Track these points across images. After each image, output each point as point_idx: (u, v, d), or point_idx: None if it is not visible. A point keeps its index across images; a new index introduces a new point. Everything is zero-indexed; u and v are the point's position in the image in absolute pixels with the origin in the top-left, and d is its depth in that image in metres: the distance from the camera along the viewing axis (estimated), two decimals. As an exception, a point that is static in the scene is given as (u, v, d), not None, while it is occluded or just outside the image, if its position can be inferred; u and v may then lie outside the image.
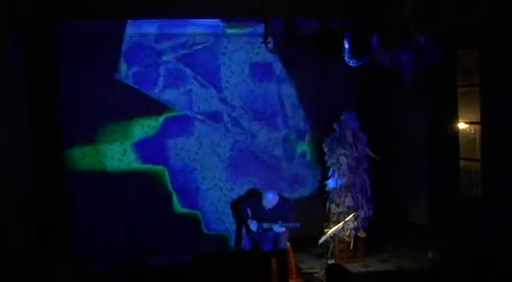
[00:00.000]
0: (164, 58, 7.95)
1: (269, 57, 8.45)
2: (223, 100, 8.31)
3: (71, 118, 7.55)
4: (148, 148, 7.92)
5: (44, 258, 6.88)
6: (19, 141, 6.31)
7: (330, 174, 8.25)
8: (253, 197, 7.28)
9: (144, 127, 7.90)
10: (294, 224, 6.83)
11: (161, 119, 7.98)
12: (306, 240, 7.51)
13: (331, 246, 7.90)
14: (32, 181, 6.92)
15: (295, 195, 8.64)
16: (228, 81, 8.32)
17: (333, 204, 8.15)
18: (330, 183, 8.20)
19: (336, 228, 6.90)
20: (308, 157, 8.85)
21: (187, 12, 7.62)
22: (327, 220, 8.09)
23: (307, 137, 8.84)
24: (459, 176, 8.57)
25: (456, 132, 8.55)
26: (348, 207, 8.02)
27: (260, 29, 8.18)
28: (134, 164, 7.87)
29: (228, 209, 8.25)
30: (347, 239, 8.00)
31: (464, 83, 8.38)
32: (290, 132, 8.72)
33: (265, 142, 8.56)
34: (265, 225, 6.86)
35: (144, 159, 7.91)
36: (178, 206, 8.11)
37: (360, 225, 8.08)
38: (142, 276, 7.63)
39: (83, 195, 7.62)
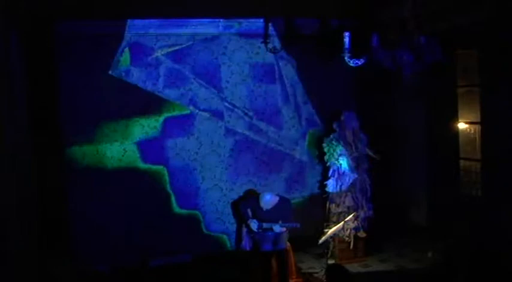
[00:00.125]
0: (164, 58, 7.94)
1: (269, 57, 8.45)
2: (223, 100, 8.30)
3: (71, 118, 7.55)
4: (148, 148, 7.91)
5: (44, 258, 6.88)
6: (19, 141, 6.31)
7: (330, 174, 8.25)
8: (252, 198, 7.28)
9: (144, 127, 7.90)
10: (294, 224, 6.83)
11: (161, 119, 7.98)
12: (306, 240, 7.50)
13: (331, 246, 7.91)
14: (32, 181, 6.92)
15: (295, 195, 8.63)
16: (228, 81, 8.32)
17: (333, 204, 8.16)
18: (330, 184, 8.21)
19: (336, 228, 6.90)
20: (308, 157, 8.84)
21: (187, 12, 7.63)
22: (327, 220, 8.09)
23: (307, 137, 8.83)
24: (459, 176, 8.57)
25: (456, 132, 8.55)
26: (348, 207, 8.04)
27: (260, 29, 8.19)
28: (134, 164, 7.87)
29: (228, 209, 8.26)
30: (347, 239, 8.00)
31: (464, 83, 8.39)
32: (290, 132, 8.72)
33: (265, 142, 8.56)
34: (265, 225, 6.85)
35: (144, 159, 7.90)
36: (178, 206, 8.11)
37: (360, 225, 8.08)
38: (142, 276, 7.62)
39: (83, 195, 7.62)
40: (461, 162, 8.55)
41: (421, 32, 6.42)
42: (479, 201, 8.13)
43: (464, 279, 6.54)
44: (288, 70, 8.67)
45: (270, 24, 8.24)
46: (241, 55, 8.37)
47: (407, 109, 9.18)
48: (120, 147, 7.80)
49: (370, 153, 8.22)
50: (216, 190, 8.31)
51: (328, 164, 8.30)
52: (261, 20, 8.18)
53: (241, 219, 7.52)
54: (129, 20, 7.67)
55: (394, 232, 8.81)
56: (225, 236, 8.36)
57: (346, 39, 6.68)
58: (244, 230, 7.46)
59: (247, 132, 8.46)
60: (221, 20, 8.10)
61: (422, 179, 9.19)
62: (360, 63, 6.74)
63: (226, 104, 8.32)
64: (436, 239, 7.88)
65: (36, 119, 7.09)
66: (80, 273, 7.07)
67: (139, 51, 7.83)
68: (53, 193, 7.33)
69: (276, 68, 8.58)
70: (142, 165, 7.91)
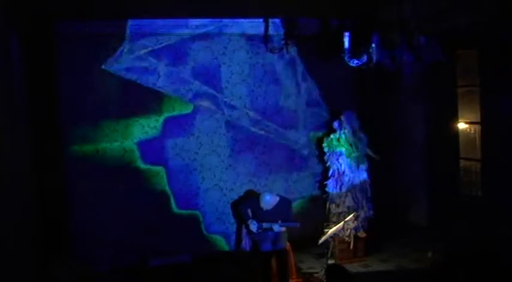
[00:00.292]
0: (164, 58, 7.94)
1: (269, 57, 8.45)
2: (223, 100, 8.30)
3: (71, 118, 7.54)
4: (148, 148, 7.91)
5: (44, 258, 6.88)
6: (19, 141, 6.31)
7: (330, 174, 8.26)
8: (252, 198, 7.28)
9: (144, 127, 7.89)
10: (294, 223, 6.84)
11: (161, 119, 7.97)
12: (306, 240, 7.50)
13: (331, 246, 7.90)
14: (32, 181, 6.92)
15: (295, 195, 8.63)
16: (228, 81, 8.32)
17: (333, 204, 8.16)
18: (330, 184, 8.22)
19: (336, 228, 6.91)
20: (308, 157, 8.84)
21: (187, 12, 7.63)
22: (327, 220, 8.09)
23: (307, 137, 8.83)
24: (459, 176, 8.58)
25: (456, 132, 8.56)
26: (348, 207, 8.03)
27: (260, 29, 8.21)
28: (134, 164, 7.86)
29: (228, 209, 8.26)
30: (347, 239, 8.00)
31: (464, 83, 8.40)
32: (290, 132, 8.72)
33: (265, 142, 8.56)
34: (265, 225, 6.85)
35: (144, 159, 7.90)
36: (178, 206, 8.10)
37: (360, 225, 8.08)
38: (142, 276, 7.62)
39: (83, 196, 7.61)
40: (461, 162, 8.57)
41: (421, 32, 6.43)
42: (479, 201, 8.13)
43: (464, 279, 6.54)
44: (288, 70, 8.67)
45: (270, 24, 8.27)
46: (241, 55, 8.37)
47: (407, 109, 9.19)
48: (120, 147, 7.79)
49: (370, 153, 8.22)
50: (216, 190, 8.31)
51: (328, 164, 8.30)
52: (261, 20, 8.19)
53: (241, 219, 7.52)
54: (129, 20, 7.66)
55: (394, 232, 8.81)
56: (225, 236, 8.35)
57: (346, 39, 6.69)
58: (244, 230, 7.47)
59: (247, 133, 8.45)
60: (221, 20, 8.10)
61: (422, 179, 9.19)
62: (360, 63, 6.75)
63: (226, 104, 8.32)
64: (436, 239, 7.87)
65: (36, 119, 7.09)
66: (80, 273, 7.06)
67: (139, 51, 7.82)
68: (53, 193, 7.33)
69: (276, 68, 8.58)
70: (142, 165, 7.90)
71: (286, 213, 6.89)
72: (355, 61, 6.74)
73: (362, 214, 8.10)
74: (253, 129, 8.48)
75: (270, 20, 8.23)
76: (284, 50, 8.31)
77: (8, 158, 5.59)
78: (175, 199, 8.07)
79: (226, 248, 8.34)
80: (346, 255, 7.98)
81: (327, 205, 8.27)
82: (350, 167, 8.09)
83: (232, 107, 8.36)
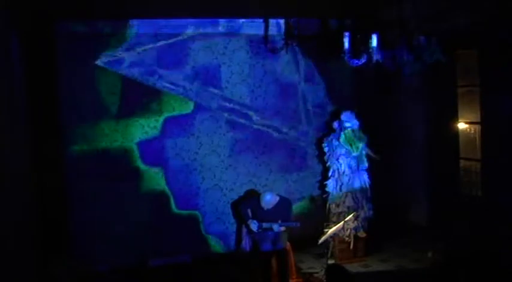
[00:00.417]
0: (164, 58, 7.94)
1: (269, 57, 8.44)
2: (223, 100, 8.30)
3: (71, 118, 7.55)
4: (148, 148, 7.91)
5: (44, 258, 6.88)
6: (19, 141, 6.31)
7: (330, 174, 8.26)
8: (252, 198, 7.28)
9: (144, 127, 7.89)
10: (294, 223, 6.84)
11: (161, 119, 7.97)
12: (306, 240, 7.50)
13: (331, 246, 7.90)
14: (32, 181, 6.92)
15: (295, 195, 8.63)
16: (228, 81, 8.32)
17: (333, 204, 8.16)
18: (330, 184, 8.21)
19: (336, 228, 6.90)
20: (308, 157, 8.84)
21: (187, 12, 7.63)
22: (327, 220, 8.09)
23: (307, 137, 8.83)
24: (459, 176, 8.57)
25: (456, 132, 8.55)
26: (348, 207, 8.03)
27: (260, 29, 8.21)
28: (134, 164, 7.86)
29: (228, 209, 8.26)
30: (347, 239, 8.00)
31: (464, 83, 8.40)
32: (290, 132, 8.72)
33: (265, 142, 8.55)
34: (265, 225, 6.86)
35: (144, 159, 7.90)
36: (177, 206, 8.10)
37: (360, 225, 8.08)
38: (142, 276, 7.62)
39: (83, 195, 7.62)
40: (461, 162, 8.56)
41: (421, 32, 6.43)
42: (479, 201, 8.13)
43: (464, 279, 6.54)
44: (288, 70, 8.66)
45: (270, 24, 8.27)
46: (241, 55, 8.37)
47: (407, 109, 9.19)
48: (120, 147, 7.79)
49: (370, 153, 8.22)
50: (216, 190, 8.31)
51: (328, 164, 8.30)
52: (261, 20, 8.19)
53: (241, 219, 7.52)
54: (129, 20, 7.66)
55: (394, 232, 8.81)
56: (225, 236, 8.34)
57: (346, 40, 6.69)
58: (244, 230, 7.47)
59: (247, 132, 8.45)
60: (221, 20, 8.11)
61: (422, 179, 9.19)
62: (360, 63, 6.75)
63: (226, 104, 8.32)
64: (436, 239, 7.87)
65: (36, 119, 7.09)
66: (80, 273, 7.06)
67: (139, 52, 7.82)
68: (53, 193, 7.33)
69: (276, 68, 8.57)
70: (142, 165, 7.90)
71: (286, 213, 6.89)
72: (355, 61, 6.74)
73: (362, 214, 8.10)
74: (253, 129, 8.48)
75: (270, 20, 8.23)
76: (284, 50, 8.30)
77: (8, 158, 5.59)
78: (175, 199, 8.07)
79: (226, 248, 8.33)
80: (346, 255, 7.97)
81: (327, 205, 8.27)
82: (350, 167, 8.08)
83: (232, 107, 8.36)
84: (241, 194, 8.29)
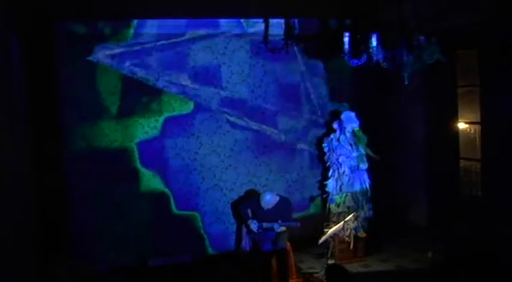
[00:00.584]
0: (164, 58, 7.94)
1: (269, 57, 8.44)
2: (223, 100, 8.30)
3: (71, 118, 7.55)
4: (148, 148, 7.91)
5: (44, 258, 6.88)
6: (19, 141, 6.31)
7: (330, 174, 8.26)
8: (252, 198, 7.28)
9: (144, 127, 7.89)
10: (294, 223, 6.84)
11: (161, 119, 7.97)
12: (306, 240, 7.50)
13: (331, 246, 7.89)
14: (32, 181, 6.92)
15: (296, 195, 8.62)
16: (228, 81, 8.31)
17: (333, 204, 8.16)
18: (330, 184, 8.21)
19: (336, 228, 6.90)
20: (308, 157, 8.84)
21: (187, 12, 7.63)
22: (327, 220, 8.09)
23: (307, 137, 8.83)
24: (459, 176, 8.57)
25: (456, 132, 8.55)
26: (348, 207, 8.03)
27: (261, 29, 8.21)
28: (134, 164, 7.86)
29: (228, 209, 8.26)
30: (347, 239, 8.00)
31: (464, 83, 8.40)
32: (290, 132, 8.72)
33: (265, 142, 8.55)
34: (265, 225, 6.86)
35: (144, 159, 7.90)
36: (177, 206, 8.10)
37: (360, 225, 8.08)
38: (142, 276, 7.62)
39: (83, 195, 7.62)
40: (461, 162, 8.56)
41: (421, 32, 6.43)
42: (479, 201, 8.13)
43: (464, 279, 6.54)
44: (288, 70, 8.66)
45: (270, 24, 8.27)
46: (241, 55, 8.37)
47: (407, 109, 9.19)
48: (120, 147, 7.79)
49: (370, 153, 8.22)
50: (216, 190, 8.31)
51: (328, 164, 8.30)
52: (261, 20, 8.19)
53: (241, 219, 7.52)
54: (129, 20, 7.66)
55: (394, 232, 8.81)
56: (225, 236, 8.34)
57: (346, 39, 6.69)
58: (244, 230, 7.46)
59: (247, 132, 8.45)
60: (221, 20, 8.10)
61: (422, 179, 9.19)
62: (360, 63, 6.75)
63: (226, 104, 8.32)
64: (436, 239, 7.87)
65: (36, 119, 7.09)
66: (80, 273, 7.06)
67: (139, 52, 7.82)
68: (53, 193, 7.33)
69: (276, 68, 8.57)
70: (142, 165, 7.90)
71: (286, 213, 6.89)
72: (355, 61, 6.73)
73: (362, 214, 8.10)
74: (253, 129, 8.48)
75: (270, 20, 8.23)
76: (284, 50, 8.30)
77: (8, 158, 5.59)
78: (175, 199, 8.07)
79: (226, 247, 8.32)
80: (346, 255, 7.97)
81: (327, 205, 8.27)
82: (350, 167, 8.08)
83: (232, 107, 8.35)
84: (241, 194, 8.29)
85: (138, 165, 7.88)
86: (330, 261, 7.18)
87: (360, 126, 8.17)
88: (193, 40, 8.07)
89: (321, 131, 8.74)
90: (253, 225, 6.93)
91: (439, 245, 7.51)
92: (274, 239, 6.85)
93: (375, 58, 6.53)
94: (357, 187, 8.10)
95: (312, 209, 8.80)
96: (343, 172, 8.09)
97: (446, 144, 8.63)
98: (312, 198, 8.76)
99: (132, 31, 7.74)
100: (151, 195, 7.94)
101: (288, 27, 8.20)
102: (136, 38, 7.78)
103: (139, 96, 7.84)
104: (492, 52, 7.49)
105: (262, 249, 6.91)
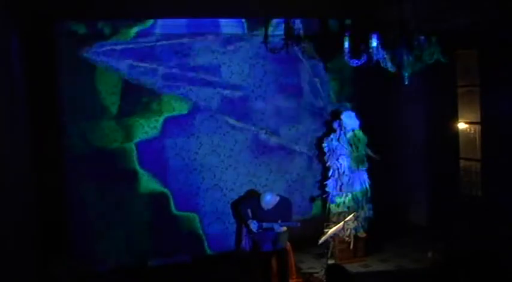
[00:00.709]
0: (164, 58, 7.94)
1: (269, 57, 8.44)
2: (223, 100, 8.30)
3: (71, 118, 7.55)
4: (148, 148, 7.91)
5: (44, 258, 6.88)
6: (19, 141, 6.31)
7: (330, 174, 8.26)
8: (252, 198, 7.28)
9: (144, 127, 7.89)
10: (294, 223, 6.84)
11: (161, 119, 7.97)
12: (306, 240, 7.50)
13: (331, 246, 7.89)
14: (32, 181, 6.92)
15: (296, 195, 8.63)
16: (228, 82, 8.31)
17: (333, 204, 8.16)
18: (330, 184, 8.21)
19: (336, 228, 6.90)
20: (308, 157, 8.84)
21: (187, 12, 7.63)
22: (327, 220, 8.09)
23: (307, 137, 8.83)
24: (459, 176, 8.57)
25: (456, 132, 8.55)
26: (348, 207, 8.03)
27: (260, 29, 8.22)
28: (134, 164, 7.86)
29: (228, 209, 8.25)
30: (347, 239, 7.99)
31: (464, 83, 8.40)
32: (290, 132, 8.72)
33: (265, 142, 8.56)
34: (265, 225, 6.86)
35: (144, 159, 7.90)
36: (177, 207, 8.10)
37: (360, 225, 8.08)
38: (142, 276, 7.62)
39: (83, 195, 7.62)
40: (461, 162, 8.56)
41: (421, 32, 6.43)
42: (479, 201, 8.13)
43: (464, 279, 6.54)
44: (288, 70, 8.66)
45: (270, 24, 8.27)
46: (241, 55, 8.37)
47: (407, 109, 9.19)
48: (120, 147, 7.79)
49: (370, 153, 8.21)
50: (216, 190, 8.31)
51: (328, 164, 8.30)
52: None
53: (241, 219, 7.52)
54: (129, 20, 7.67)
55: (394, 232, 8.81)
56: (225, 236, 8.35)
57: (346, 39, 6.69)
58: (244, 230, 7.46)
59: (247, 132, 8.45)
60: (221, 20, 8.11)
61: (422, 179, 9.19)
62: (360, 63, 6.75)
63: (226, 104, 8.32)
64: (436, 239, 7.87)
65: (36, 119, 7.09)
66: (80, 273, 7.06)
67: (139, 52, 7.82)
68: (53, 193, 7.33)
69: (276, 68, 8.57)
70: (142, 165, 7.90)
71: (286, 213, 6.89)
72: (355, 61, 6.73)
73: (362, 214, 8.10)
74: (253, 129, 8.48)
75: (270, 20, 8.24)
76: (284, 50, 8.30)
77: (8, 158, 5.59)
78: (175, 199, 8.07)
79: (226, 247, 8.32)
80: (346, 255, 7.97)
81: (327, 205, 8.27)
82: (350, 167, 8.08)
83: (232, 107, 8.35)
84: (241, 194, 8.29)
85: (138, 165, 7.88)
86: (330, 261, 7.18)
87: (360, 126, 8.16)
88: (193, 40, 8.07)
89: (321, 131, 8.74)
90: (253, 225, 6.93)
91: (439, 245, 7.51)
92: (274, 239, 6.85)
93: (374, 58, 6.53)
94: (357, 187, 8.10)
95: (313, 211, 8.80)
96: (343, 172, 8.08)
97: (446, 144, 8.63)
98: (312, 199, 8.77)
99: (132, 31, 7.74)
100: (151, 195, 7.94)
101: (288, 27, 8.20)
102: (136, 38, 7.78)
103: (139, 96, 7.84)
104: (492, 52, 7.49)
105: (262, 249, 6.91)
